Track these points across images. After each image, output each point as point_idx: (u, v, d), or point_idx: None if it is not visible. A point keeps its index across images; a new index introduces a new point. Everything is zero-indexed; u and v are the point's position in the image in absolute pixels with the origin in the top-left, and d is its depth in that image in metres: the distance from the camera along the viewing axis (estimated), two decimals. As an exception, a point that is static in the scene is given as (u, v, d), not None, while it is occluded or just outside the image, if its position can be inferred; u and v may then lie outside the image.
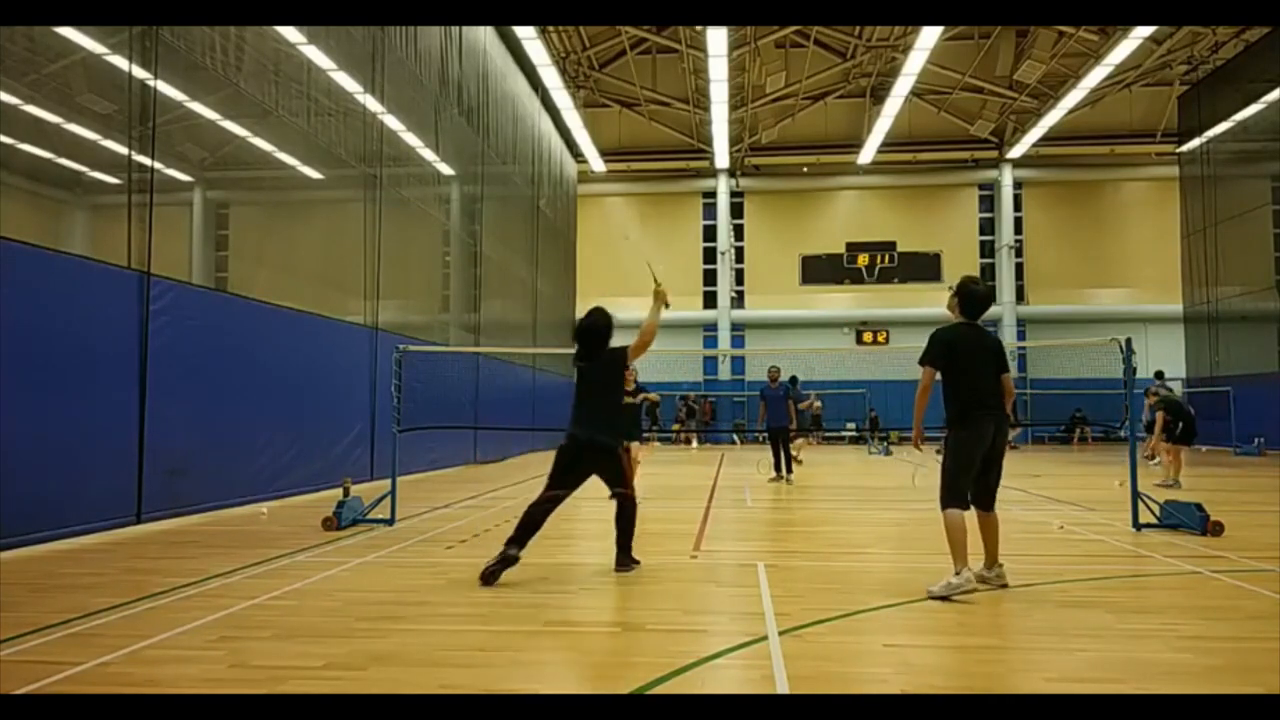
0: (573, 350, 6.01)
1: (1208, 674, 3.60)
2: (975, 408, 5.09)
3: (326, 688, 3.40)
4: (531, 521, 5.64)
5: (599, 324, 5.88)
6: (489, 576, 5.36)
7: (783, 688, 3.38)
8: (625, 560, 5.87)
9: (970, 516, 5.13)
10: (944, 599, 4.89)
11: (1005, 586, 5.20)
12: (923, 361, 5.28)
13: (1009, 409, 5.33)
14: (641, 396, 10.56)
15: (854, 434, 27.24)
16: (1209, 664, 3.73)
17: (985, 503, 5.19)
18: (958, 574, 4.99)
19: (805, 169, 30.63)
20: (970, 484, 5.13)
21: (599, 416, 5.78)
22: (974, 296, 5.35)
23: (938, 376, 5.27)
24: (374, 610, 4.71)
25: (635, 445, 10.62)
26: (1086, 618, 4.54)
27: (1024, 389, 28.08)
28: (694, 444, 27.34)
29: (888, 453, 22.55)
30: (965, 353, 5.19)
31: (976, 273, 30.73)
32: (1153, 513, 7.65)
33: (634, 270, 31.87)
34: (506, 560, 5.44)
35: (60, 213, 9.20)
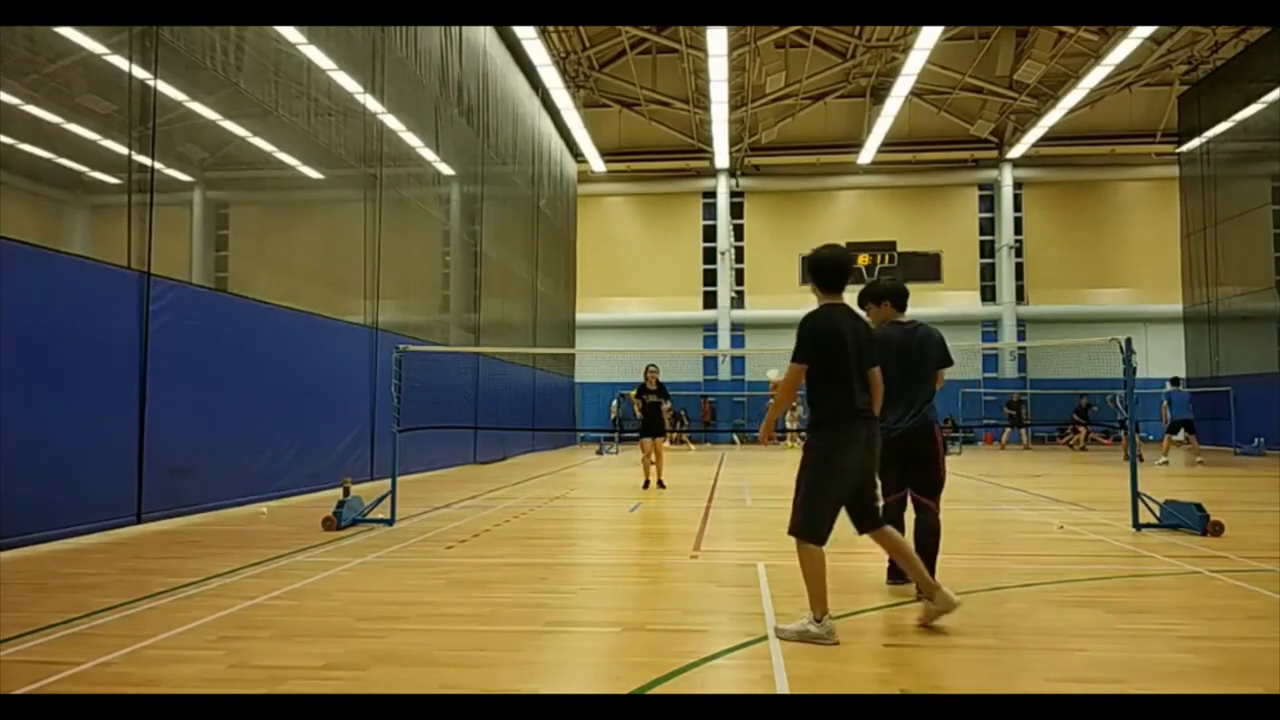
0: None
1: (1208, 674, 3.60)
2: (845, 413, 4.17)
3: (326, 688, 3.40)
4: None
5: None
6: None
7: (783, 688, 3.38)
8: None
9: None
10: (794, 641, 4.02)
11: (952, 609, 4.20)
12: (796, 358, 4.20)
13: (877, 409, 4.34)
14: (667, 406, 12.16)
15: None
16: (1209, 664, 3.73)
17: (867, 522, 4.26)
18: (817, 621, 4.00)
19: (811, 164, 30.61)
20: (833, 510, 4.12)
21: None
22: (825, 262, 4.31)
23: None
24: (374, 610, 4.71)
25: (660, 440, 11.58)
26: (1086, 618, 4.54)
27: (1024, 389, 28.07)
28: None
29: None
30: (848, 341, 4.20)
31: (976, 272, 30.82)
32: (1153, 513, 7.65)
33: (633, 270, 32.10)
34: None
35: (60, 213, 9.18)
